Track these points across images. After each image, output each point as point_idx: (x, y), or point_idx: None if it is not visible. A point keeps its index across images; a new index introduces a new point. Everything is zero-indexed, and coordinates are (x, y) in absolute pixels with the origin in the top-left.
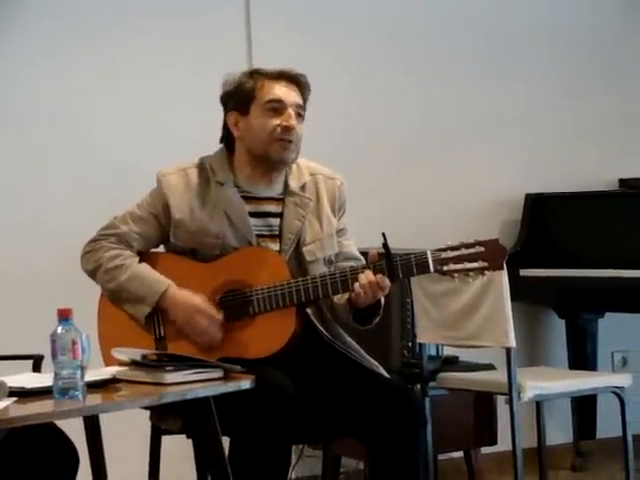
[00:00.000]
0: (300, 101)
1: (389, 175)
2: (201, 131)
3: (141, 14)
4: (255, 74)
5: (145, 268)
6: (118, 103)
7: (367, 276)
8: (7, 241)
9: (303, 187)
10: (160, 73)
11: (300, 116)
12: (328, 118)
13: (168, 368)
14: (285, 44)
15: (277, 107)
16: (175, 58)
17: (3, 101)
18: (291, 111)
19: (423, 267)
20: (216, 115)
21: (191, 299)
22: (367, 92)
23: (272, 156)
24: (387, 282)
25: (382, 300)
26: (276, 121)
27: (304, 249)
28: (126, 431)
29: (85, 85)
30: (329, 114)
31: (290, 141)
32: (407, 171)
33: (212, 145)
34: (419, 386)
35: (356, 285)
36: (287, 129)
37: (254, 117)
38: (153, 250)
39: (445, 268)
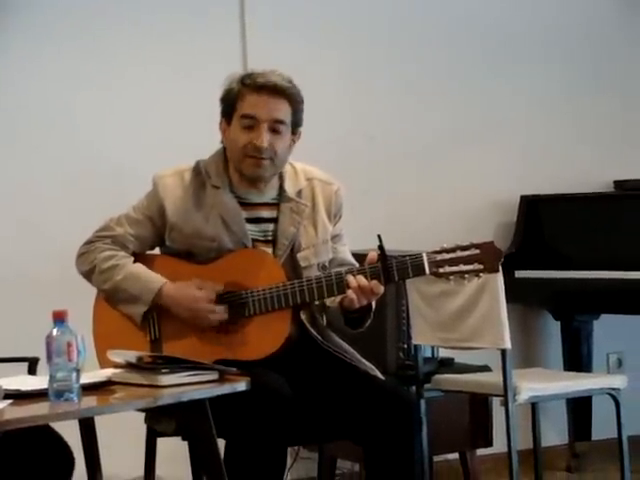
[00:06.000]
0: (280, 115)
1: (385, 177)
2: (196, 133)
3: (135, 17)
4: (245, 80)
5: (140, 267)
6: (112, 105)
7: (357, 279)
8: (1, 244)
9: (299, 193)
10: (154, 75)
11: (277, 131)
12: (326, 122)
13: (163, 370)
14: (281, 49)
15: (250, 124)
16: (169, 61)
17: None
18: (263, 129)
19: (419, 269)
20: (210, 118)
21: (187, 291)
22: (364, 95)
23: (245, 172)
24: (380, 287)
25: (373, 303)
26: (248, 138)
27: (298, 255)
28: (121, 433)
29: (78, 87)
30: (327, 118)
31: (262, 158)
32: (402, 174)
33: (207, 147)
34: (414, 388)
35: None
36: (256, 148)
37: (233, 129)
38: (149, 252)
39: (441, 270)
